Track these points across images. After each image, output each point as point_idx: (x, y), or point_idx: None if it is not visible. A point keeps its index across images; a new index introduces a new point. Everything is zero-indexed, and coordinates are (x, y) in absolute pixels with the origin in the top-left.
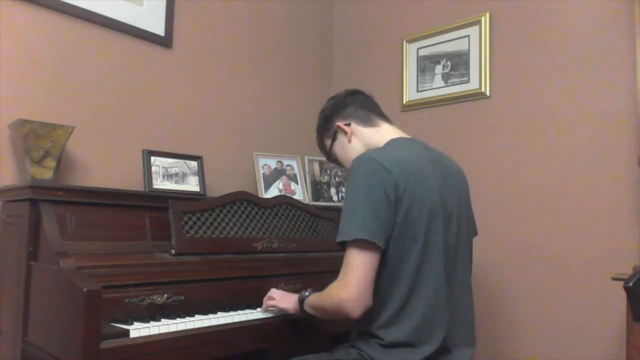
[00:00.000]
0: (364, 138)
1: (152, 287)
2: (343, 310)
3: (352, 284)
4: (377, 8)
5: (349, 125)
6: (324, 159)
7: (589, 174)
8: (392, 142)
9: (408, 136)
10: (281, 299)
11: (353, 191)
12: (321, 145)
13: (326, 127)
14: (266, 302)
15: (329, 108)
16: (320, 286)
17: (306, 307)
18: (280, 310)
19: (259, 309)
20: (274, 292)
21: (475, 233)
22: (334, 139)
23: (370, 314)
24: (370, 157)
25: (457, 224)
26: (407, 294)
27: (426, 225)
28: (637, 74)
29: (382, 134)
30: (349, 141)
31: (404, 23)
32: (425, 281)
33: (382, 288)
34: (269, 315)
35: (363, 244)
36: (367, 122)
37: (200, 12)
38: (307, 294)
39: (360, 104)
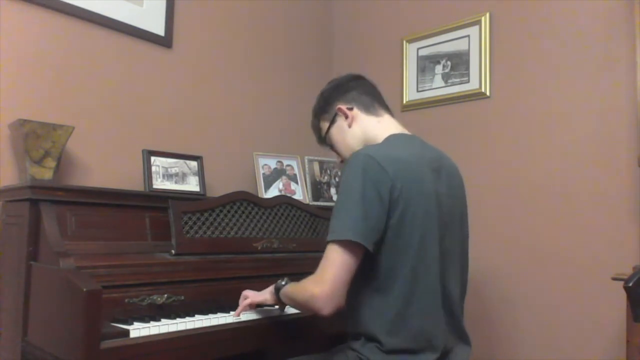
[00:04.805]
0: (365, 126)
1: (152, 287)
2: (313, 306)
3: (326, 281)
4: (377, 8)
5: (351, 109)
6: (324, 159)
7: (589, 174)
8: (391, 139)
9: (408, 132)
10: (256, 294)
11: (347, 188)
12: (316, 128)
13: (325, 109)
14: (241, 302)
15: (330, 89)
16: None
17: (282, 296)
18: (257, 304)
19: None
20: (247, 292)
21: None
22: (332, 121)
23: (365, 321)
24: (368, 154)
25: (453, 226)
26: (403, 301)
27: (421, 229)
28: (637, 73)
29: (384, 126)
30: (349, 126)
31: (404, 23)
32: (422, 288)
33: (375, 293)
34: (268, 315)
35: (347, 244)
36: (370, 109)
37: (200, 12)
38: (283, 283)
39: (364, 90)
